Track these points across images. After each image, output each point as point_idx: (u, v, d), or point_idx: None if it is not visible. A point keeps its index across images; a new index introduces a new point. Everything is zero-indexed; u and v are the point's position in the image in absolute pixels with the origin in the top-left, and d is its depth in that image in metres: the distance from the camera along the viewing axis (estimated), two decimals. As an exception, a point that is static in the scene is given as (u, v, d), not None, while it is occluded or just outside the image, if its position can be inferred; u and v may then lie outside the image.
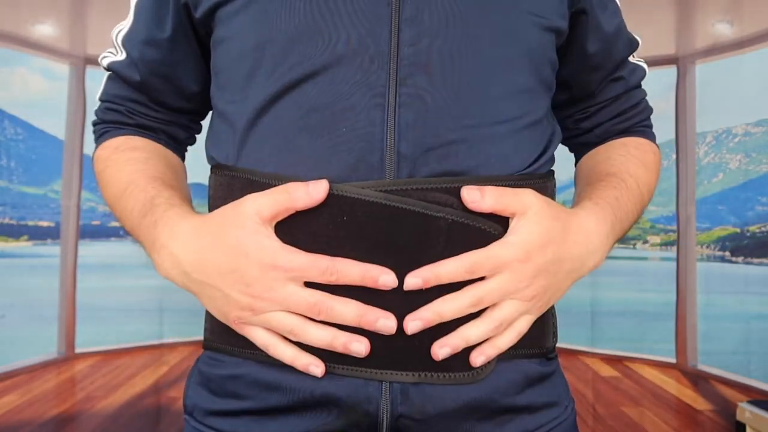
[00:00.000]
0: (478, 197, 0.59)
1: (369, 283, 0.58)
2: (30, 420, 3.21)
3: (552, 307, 0.70)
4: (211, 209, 0.68)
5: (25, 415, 3.28)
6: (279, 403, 0.63)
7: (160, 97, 0.77)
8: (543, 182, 0.67)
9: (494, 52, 0.64)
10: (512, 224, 0.61)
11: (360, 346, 0.58)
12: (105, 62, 0.77)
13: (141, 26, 0.74)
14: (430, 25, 0.63)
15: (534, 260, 0.60)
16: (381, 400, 0.61)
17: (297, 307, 0.58)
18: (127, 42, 0.75)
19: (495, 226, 0.61)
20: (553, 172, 0.70)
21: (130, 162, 0.73)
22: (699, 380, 4.19)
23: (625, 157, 0.77)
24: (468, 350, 0.61)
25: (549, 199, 0.64)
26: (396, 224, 0.59)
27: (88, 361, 4.47)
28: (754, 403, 3.03)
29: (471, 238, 0.60)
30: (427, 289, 0.59)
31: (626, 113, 0.82)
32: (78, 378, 4.08)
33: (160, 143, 0.79)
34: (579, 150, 0.86)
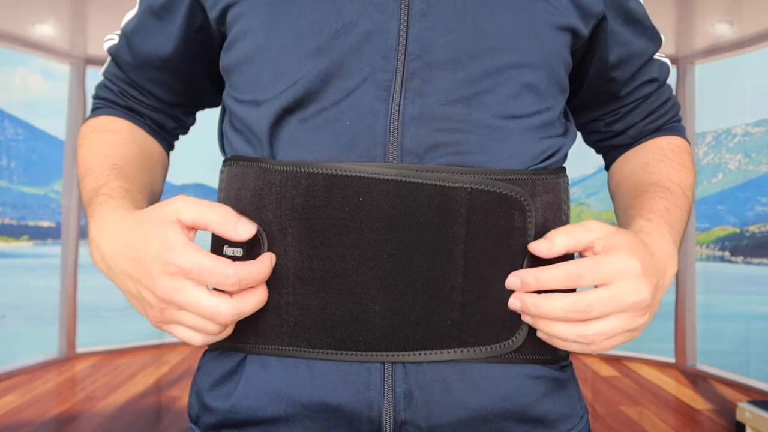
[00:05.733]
0: (548, 245, 0.57)
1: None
2: (31, 420, 3.21)
3: None
4: (220, 200, 0.68)
5: (26, 415, 3.28)
6: (277, 412, 0.62)
7: (150, 88, 0.78)
8: (555, 178, 0.65)
9: (505, 50, 0.63)
10: (603, 253, 0.58)
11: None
12: (106, 46, 0.78)
13: (143, 23, 0.75)
14: (441, 21, 0.62)
15: (649, 274, 0.57)
16: (383, 405, 0.60)
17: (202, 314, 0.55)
18: (127, 33, 0.76)
19: (518, 190, 0.60)
20: (564, 169, 0.68)
21: (101, 145, 0.73)
22: (698, 380, 4.20)
23: (664, 162, 0.76)
24: (499, 320, 0.60)
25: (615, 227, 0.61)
26: (414, 200, 0.59)
27: (89, 360, 4.47)
28: (754, 403, 3.03)
29: (495, 206, 0.60)
30: (451, 276, 0.59)
31: (658, 111, 0.81)
32: (79, 378, 4.09)
33: (143, 128, 0.79)
34: (611, 152, 0.85)
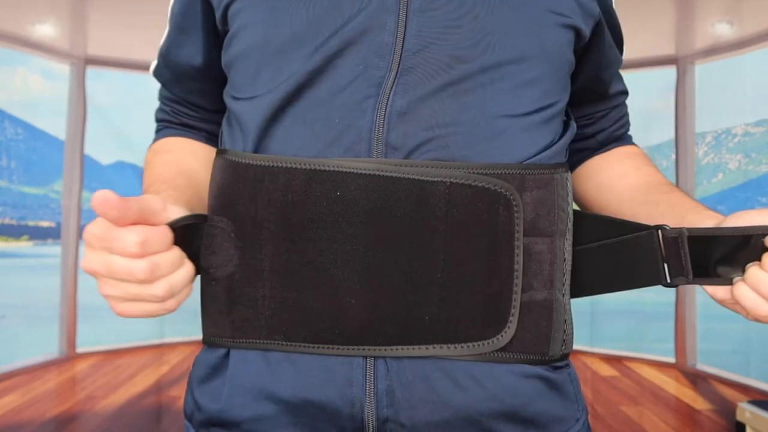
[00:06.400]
0: None
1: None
2: (31, 420, 3.21)
3: (568, 312, 0.67)
4: (210, 189, 0.69)
5: (26, 415, 3.28)
6: (262, 410, 0.62)
7: (194, 100, 0.80)
8: (549, 173, 0.63)
9: (505, 48, 0.62)
10: None
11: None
12: (151, 69, 0.82)
13: (173, 37, 0.76)
14: (440, 17, 0.61)
15: None
16: (366, 402, 0.60)
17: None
18: (162, 53, 0.78)
19: (502, 184, 0.59)
20: (564, 164, 0.67)
21: (159, 165, 0.76)
22: (698, 380, 4.20)
23: (652, 167, 0.79)
24: (482, 317, 0.60)
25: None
26: (392, 194, 0.58)
27: (89, 360, 4.47)
28: (754, 403, 3.03)
29: (476, 200, 0.59)
30: (429, 271, 0.59)
31: (621, 120, 0.84)
32: (79, 377, 4.09)
33: (199, 140, 0.81)
34: (575, 155, 0.85)
